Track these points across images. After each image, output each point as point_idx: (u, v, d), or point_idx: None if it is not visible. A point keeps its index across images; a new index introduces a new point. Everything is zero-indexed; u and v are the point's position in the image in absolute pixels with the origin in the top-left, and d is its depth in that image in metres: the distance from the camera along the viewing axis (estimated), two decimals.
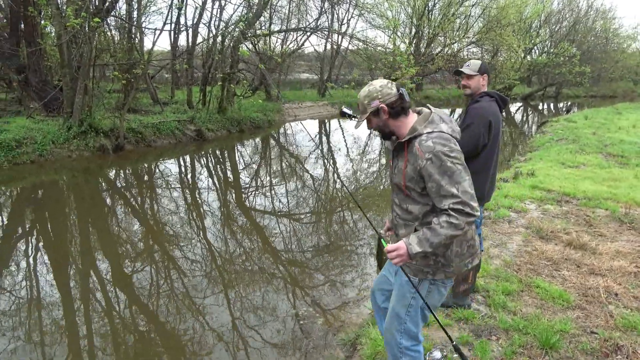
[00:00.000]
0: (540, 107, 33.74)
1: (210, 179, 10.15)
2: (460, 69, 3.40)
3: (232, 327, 3.97)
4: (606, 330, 3.22)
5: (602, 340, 3.10)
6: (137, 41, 14.90)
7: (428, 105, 2.22)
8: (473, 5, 27.52)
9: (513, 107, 32.17)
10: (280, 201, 8.23)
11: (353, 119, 2.34)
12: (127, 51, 13.62)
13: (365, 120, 2.17)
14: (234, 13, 15.93)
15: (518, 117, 26.87)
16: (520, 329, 3.19)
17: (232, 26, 15.63)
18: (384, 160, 12.53)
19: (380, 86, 2.12)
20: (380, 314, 2.61)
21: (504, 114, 3.49)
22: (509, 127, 20.57)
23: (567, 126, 15.29)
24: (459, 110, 26.29)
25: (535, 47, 38.55)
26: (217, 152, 13.06)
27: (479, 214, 2.00)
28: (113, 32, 16.52)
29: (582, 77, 33.91)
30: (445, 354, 2.28)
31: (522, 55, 35.48)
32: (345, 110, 2.45)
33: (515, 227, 5.37)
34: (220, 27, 16.02)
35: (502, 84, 32.07)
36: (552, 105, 35.61)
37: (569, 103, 37.42)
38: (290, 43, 24.56)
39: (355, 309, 4.23)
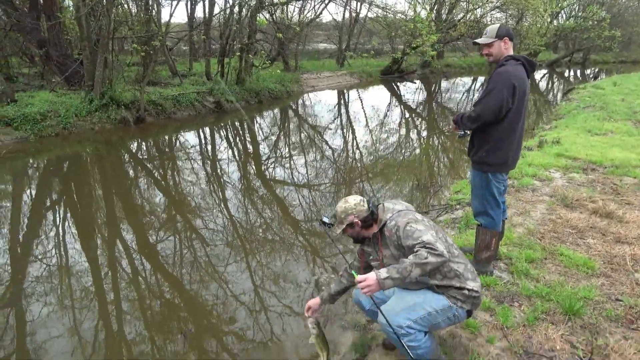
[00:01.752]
0: (566, 74, 32.61)
1: (229, 150, 10.21)
2: (476, 40, 3.30)
3: (254, 294, 4.07)
4: (631, 297, 3.18)
5: (627, 307, 3.06)
6: (154, 13, 14.83)
7: (378, 201, 2.63)
8: None
9: (538, 75, 31.13)
10: (299, 172, 8.25)
11: (331, 226, 2.62)
12: (144, 23, 13.57)
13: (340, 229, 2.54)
14: None
15: (543, 84, 26.06)
16: (543, 296, 3.17)
17: None
18: (403, 131, 12.38)
19: (355, 204, 2.51)
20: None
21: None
22: (533, 95, 20.01)
23: (594, 93, 14.76)
24: (481, 79, 25.63)
25: (562, 11, 36.90)
26: (236, 123, 13.08)
27: (441, 252, 2.16)
28: (130, 4, 16.46)
29: (612, 41, 32.53)
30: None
31: (548, 19, 34.10)
32: (325, 219, 2.67)
33: (539, 195, 5.27)
34: None
35: (527, 50, 30.98)
36: (578, 72, 34.34)
37: (597, 69, 36.03)
38: (308, 12, 24.09)
39: None
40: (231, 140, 11.48)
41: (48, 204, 6.73)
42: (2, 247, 5.07)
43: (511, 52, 3.31)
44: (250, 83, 15.26)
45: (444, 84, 24.39)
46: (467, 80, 25.64)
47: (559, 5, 34.22)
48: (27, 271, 4.54)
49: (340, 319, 3.58)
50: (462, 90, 21.60)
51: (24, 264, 4.72)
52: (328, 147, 10.23)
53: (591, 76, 29.77)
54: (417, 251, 2.18)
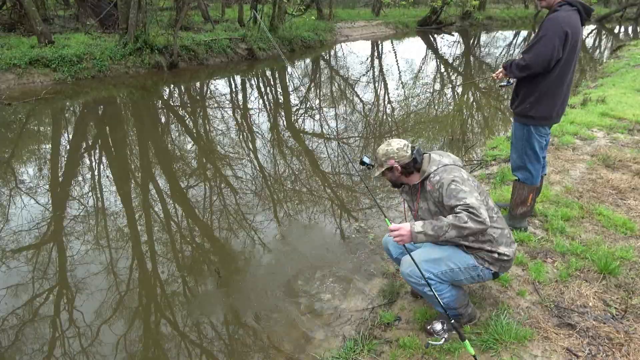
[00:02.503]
0: (616, 31, 30.54)
1: (260, 100, 10.16)
2: None
3: (281, 241, 4.12)
4: None
5: None
6: None
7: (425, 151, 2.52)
8: None
9: (585, 30, 29.32)
10: (328, 124, 8.15)
11: (371, 168, 2.58)
12: None
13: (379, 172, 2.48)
14: None
15: (589, 41, 24.57)
16: (578, 254, 3.12)
17: None
18: (437, 86, 11.99)
19: (397, 148, 2.41)
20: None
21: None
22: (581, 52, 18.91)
23: None
24: (523, 33, 24.32)
25: None
26: (267, 72, 12.94)
27: (483, 219, 2.09)
28: None
29: None
30: (445, 327, 2.28)
31: None
32: (366, 159, 2.64)
33: (579, 154, 5.09)
34: None
35: None
36: (630, 28, 32.09)
37: None
38: None
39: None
40: (262, 89, 11.40)
41: (84, 146, 6.92)
42: (43, 187, 5.29)
43: None
44: (283, 31, 14.95)
45: (484, 37, 23.29)
46: (509, 34, 24.37)
47: None
48: (66, 210, 4.73)
49: (368, 265, 3.63)
50: (502, 45, 20.61)
51: (63, 203, 4.92)
52: (359, 100, 10.04)
53: None
54: (458, 213, 2.12)
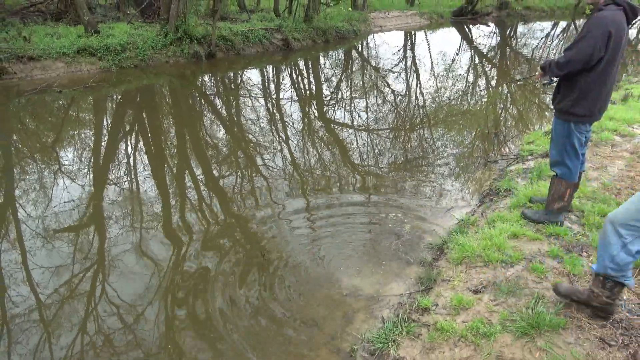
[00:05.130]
0: None
1: (293, 90, 10.33)
2: None
3: (314, 233, 4.27)
4: None
5: None
6: None
7: None
8: None
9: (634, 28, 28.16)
10: (359, 115, 8.26)
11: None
12: None
13: None
14: None
15: (633, 32, 23.66)
16: None
17: None
18: (471, 77, 11.90)
19: None
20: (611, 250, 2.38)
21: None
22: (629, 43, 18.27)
23: None
24: (562, 24, 23.64)
25: None
26: (301, 62, 13.09)
27: None
28: None
29: None
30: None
31: None
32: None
33: (618, 151, 5.07)
34: None
35: None
36: None
37: None
38: None
39: (442, 219, 4.38)
40: (295, 79, 11.57)
41: (129, 132, 7.28)
42: (85, 171, 5.63)
43: None
44: (317, 21, 15.05)
45: (521, 28, 22.76)
46: (547, 25, 23.73)
47: None
48: (107, 194, 5.03)
49: (406, 254, 3.79)
50: (539, 36, 20.12)
51: (104, 187, 5.24)
52: (390, 92, 10.10)
53: None
54: None
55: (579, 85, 3.16)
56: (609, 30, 2.98)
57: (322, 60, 13.70)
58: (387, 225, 4.29)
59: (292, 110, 8.61)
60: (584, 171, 3.64)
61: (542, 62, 3.34)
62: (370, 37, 17.54)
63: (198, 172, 5.70)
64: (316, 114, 8.56)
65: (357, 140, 6.91)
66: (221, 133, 7.33)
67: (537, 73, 3.45)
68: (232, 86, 10.54)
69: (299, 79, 11.66)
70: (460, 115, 8.33)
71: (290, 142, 6.81)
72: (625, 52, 14.80)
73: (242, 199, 4.97)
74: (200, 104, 9.09)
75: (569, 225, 3.57)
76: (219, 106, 8.88)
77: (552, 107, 3.44)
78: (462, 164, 5.84)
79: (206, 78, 10.87)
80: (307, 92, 10.24)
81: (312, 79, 11.59)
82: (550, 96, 3.48)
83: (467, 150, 6.38)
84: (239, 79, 11.07)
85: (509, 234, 3.46)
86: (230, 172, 5.71)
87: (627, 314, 2.63)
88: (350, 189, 5.17)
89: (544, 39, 19.33)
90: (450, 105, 8.98)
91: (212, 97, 9.57)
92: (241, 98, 9.42)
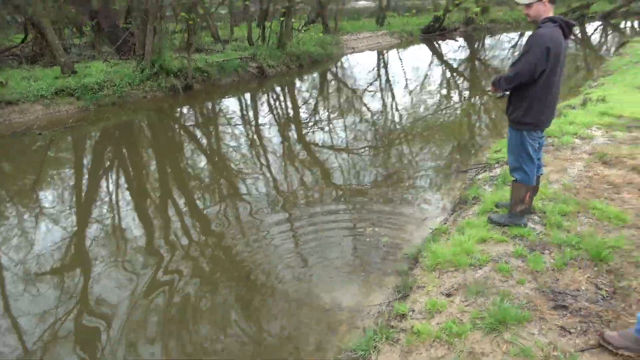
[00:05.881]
0: (622, 26, 30.57)
1: (271, 115, 10.56)
2: (516, 1, 3.45)
3: (297, 251, 4.45)
4: None
5: None
6: None
7: None
8: None
9: (590, 28, 29.43)
10: (338, 135, 8.51)
11: None
12: None
13: None
14: None
15: (595, 38, 24.67)
16: (573, 245, 3.43)
17: None
18: (444, 91, 12.34)
19: None
20: None
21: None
22: (583, 51, 19.14)
23: None
24: (528, 33, 24.52)
25: None
26: (277, 88, 13.40)
27: None
28: None
29: None
30: None
31: None
32: None
33: (578, 153, 5.39)
34: None
35: (580, 1, 29.24)
36: (637, 23, 32.08)
37: None
38: None
39: (417, 230, 4.61)
40: (273, 105, 11.84)
41: (109, 169, 7.40)
42: (67, 211, 5.74)
43: (550, 14, 3.44)
44: (291, 47, 15.45)
45: (488, 40, 23.57)
46: (514, 35, 24.61)
47: None
48: (89, 231, 5.13)
49: (383, 265, 3.98)
50: (507, 47, 20.88)
51: (86, 223, 5.34)
52: (367, 110, 10.42)
53: None
54: None
55: (527, 96, 3.45)
56: (548, 46, 3.28)
57: (297, 84, 14.04)
58: (366, 239, 4.49)
59: (272, 135, 8.83)
60: (541, 174, 3.90)
61: (492, 77, 3.63)
62: (344, 59, 18.00)
63: (180, 201, 5.85)
64: (295, 137, 8.79)
65: (336, 160, 7.13)
66: (202, 162, 7.50)
67: (490, 88, 3.73)
68: (211, 116, 10.76)
69: (277, 104, 11.93)
70: (434, 128, 8.65)
71: (271, 165, 7.01)
72: (589, 57, 15.44)
73: (225, 224, 5.12)
74: (180, 136, 9.26)
75: (532, 225, 3.81)
76: (199, 136, 9.06)
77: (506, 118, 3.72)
78: (436, 176, 6.11)
79: (185, 110, 11.07)
80: (285, 116, 10.50)
81: (289, 103, 11.87)
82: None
83: (440, 163, 6.66)
84: (217, 109, 11.29)
85: (478, 238, 3.69)
86: (213, 199, 5.86)
87: (585, 303, 2.85)
88: (330, 206, 5.36)
89: (511, 49, 20.07)
90: (425, 120, 9.31)
91: (191, 127, 9.76)
92: (220, 127, 9.63)
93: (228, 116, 10.49)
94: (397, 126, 9.13)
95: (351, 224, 4.90)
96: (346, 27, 22.58)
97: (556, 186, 4.51)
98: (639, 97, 7.76)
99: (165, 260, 4.39)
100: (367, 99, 11.61)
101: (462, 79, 14.59)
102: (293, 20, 15.17)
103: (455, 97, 11.87)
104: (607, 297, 2.90)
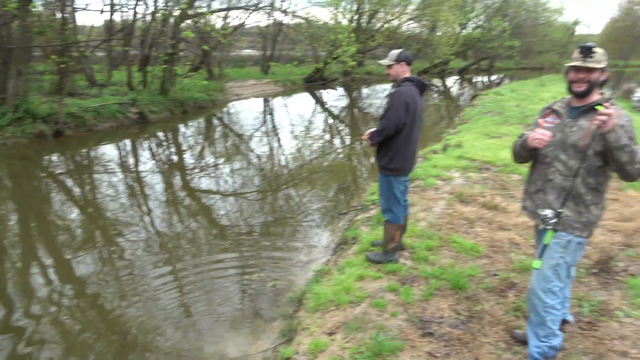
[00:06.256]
0: (475, 80, 35.43)
1: (154, 162, 10.20)
2: (379, 62, 3.93)
3: (181, 302, 4.31)
4: (505, 272, 3.93)
5: (501, 280, 3.80)
6: (69, 19, 14.30)
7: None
8: None
9: (450, 81, 33.63)
10: (225, 181, 8.52)
11: (591, 56, 2.39)
12: (60, 32, 13.10)
13: (590, 68, 2.39)
14: None
15: (455, 90, 28.20)
16: (437, 276, 3.83)
17: (172, 3, 15.30)
18: (327, 136, 13.06)
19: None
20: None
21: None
22: (445, 101, 21.71)
23: (495, 99, 16.45)
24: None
25: (470, 22, 40.19)
26: (160, 134, 13.02)
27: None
28: (42, 9, 15.70)
29: (512, 50, 35.96)
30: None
31: (458, 30, 36.94)
32: (592, 45, 2.44)
33: (440, 193, 6.06)
34: (159, 5, 15.67)
35: (440, 58, 33.35)
36: (485, 78, 37.47)
37: (502, 75, 39.53)
38: (232, 20, 24.25)
39: (301, 272, 4.75)
40: (155, 151, 11.45)
41: None
42: None
43: (408, 75, 3.95)
44: (174, 93, 15.23)
45: (365, 90, 25.65)
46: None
47: (467, 17, 37.27)
48: None
49: (269, 311, 4.02)
50: (381, 96, 22.87)
51: None
52: (254, 155, 10.60)
53: (496, 82, 32.70)
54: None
55: (392, 146, 3.87)
56: (407, 102, 3.75)
57: (182, 130, 13.79)
58: (252, 286, 4.50)
59: (154, 182, 8.49)
60: (408, 214, 4.33)
61: (367, 130, 4.00)
62: (230, 105, 18.17)
63: (46, 259, 5.31)
64: (180, 184, 8.56)
65: (223, 205, 7.09)
66: (73, 213, 6.91)
67: (365, 137, 4.10)
68: (85, 163, 10.02)
69: (159, 150, 11.54)
70: (319, 172, 9.07)
71: (152, 214, 6.71)
72: (450, 107, 17.48)
73: (100, 280, 4.75)
74: (48, 185, 8.46)
75: (403, 261, 4.17)
76: (70, 185, 8.37)
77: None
78: (320, 219, 6.38)
79: (54, 157, 10.18)
80: (169, 162, 10.19)
81: (172, 149, 11.57)
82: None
83: (324, 205, 6.99)
84: (93, 156, 10.57)
85: (356, 276, 3.93)
86: (85, 253, 5.41)
87: (448, 328, 3.18)
88: (217, 254, 5.28)
89: (385, 98, 22.03)
90: (311, 164, 9.72)
91: (62, 176, 8.98)
92: (95, 175, 9.00)
93: (104, 163, 9.87)
94: (284, 170, 9.40)
95: (238, 270, 4.88)
96: (231, 75, 22.95)
97: (423, 224, 5.01)
98: (488, 143, 9.03)
99: (28, 331, 3.92)
100: (254, 144, 11.81)
101: (343, 125, 15.58)
102: (177, 67, 15.01)
103: (337, 142, 12.61)
104: (465, 321, 3.27)
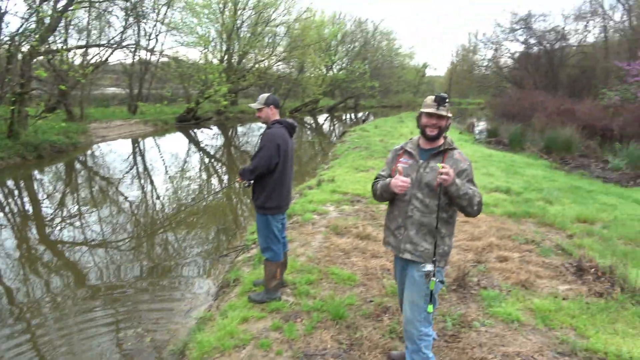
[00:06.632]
0: (343, 118, 37.95)
1: (2, 215, 8.98)
2: (249, 105, 4.11)
3: None
4: (379, 297, 4.24)
5: (376, 305, 4.09)
6: None
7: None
8: (278, 25, 29.63)
9: (321, 119, 35.53)
10: (92, 230, 7.85)
11: (444, 105, 2.75)
12: None
13: (441, 115, 2.75)
14: (21, 26, 14.13)
15: (326, 127, 29.80)
16: (319, 309, 3.99)
17: (19, 39, 13.91)
18: (204, 176, 12.81)
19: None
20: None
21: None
22: (318, 137, 22.81)
23: (361, 135, 17.81)
24: None
25: (335, 64, 43.34)
26: (9, 182, 11.53)
27: (480, 211, 2.76)
28: None
29: (374, 90, 39.49)
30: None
31: (325, 71, 39.54)
32: (444, 95, 2.77)
33: (317, 227, 6.34)
34: (5, 41, 14.15)
35: (310, 97, 35.16)
36: (352, 115, 40.37)
37: (367, 113, 42.95)
38: (93, 57, 22.77)
39: (183, 322, 4.55)
40: (4, 202, 10.10)
41: None
42: None
43: (277, 117, 4.18)
44: (26, 136, 13.69)
45: (240, 128, 25.81)
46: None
47: (332, 59, 40.12)
48: None
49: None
50: (257, 134, 23.20)
51: None
52: (125, 200, 9.95)
53: (362, 119, 35.40)
54: (477, 192, 2.71)
55: (266, 185, 4.00)
56: (278, 143, 3.95)
57: (38, 177, 12.37)
58: (128, 343, 4.18)
59: (3, 238, 7.45)
60: (287, 251, 4.46)
61: (240, 168, 4.09)
62: (94, 148, 16.86)
63: None
64: (37, 237, 7.64)
65: (92, 257, 6.48)
66: None
67: (237, 178, 4.17)
68: None
69: (9, 201, 10.19)
70: (198, 213, 8.81)
71: (2, 277, 5.87)
72: (323, 144, 18.41)
73: None
74: None
75: (286, 297, 4.26)
76: None
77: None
78: (201, 263, 6.20)
79: None
80: (22, 214, 9.04)
81: (26, 199, 10.30)
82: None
83: (205, 248, 6.81)
84: None
85: (240, 319, 3.90)
86: None
87: (331, 359, 3.32)
88: (84, 313, 4.80)
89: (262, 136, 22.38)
90: (188, 206, 9.41)
91: None
92: None
93: None
94: (160, 214, 8.96)
95: (111, 328, 4.49)
96: (95, 115, 21.40)
97: (302, 258, 5.18)
98: (357, 176, 9.71)
99: None
100: (124, 188, 11.07)
101: (220, 164, 15.44)
102: (28, 108, 13.57)
103: (215, 182, 12.43)
104: (347, 349, 3.45)
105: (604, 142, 14.51)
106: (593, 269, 4.84)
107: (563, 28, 33.09)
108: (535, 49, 33.79)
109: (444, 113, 2.74)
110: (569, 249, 5.58)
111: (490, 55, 39.91)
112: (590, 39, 33.92)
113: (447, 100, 2.75)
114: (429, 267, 2.76)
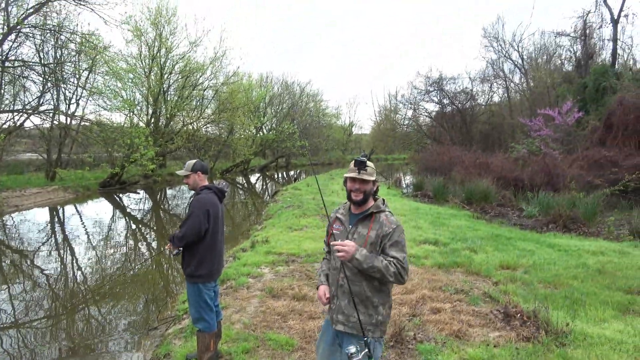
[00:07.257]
0: (275, 176, 38.23)
1: None
2: (176, 172, 4.11)
3: None
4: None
5: None
6: None
7: None
8: (205, 89, 29.98)
9: (253, 178, 35.52)
10: (1, 310, 7.08)
11: (365, 169, 2.76)
12: None
13: (365, 180, 2.76)
14: None
15: (259, 186, 29.77)
16: None
17: None
18: (131, 243, 12.16)
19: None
20: None
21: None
22: (251, 198, 22.69)
23: (294, 194, 18.00)
24: (215, 182, 27.37)
25: (264, 125, 44.21)
26: None
27: (405, 280, 2.65)
28: None
29: (304, 149, 40.48)
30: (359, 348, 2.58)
31: (255, 132, 40.14)
32: (365, 158, 2.79)
33: (252, 291, 6.20)
34: None
35: (240, 158, 35.30)
36: (284, 173, 40.83)
37: (299, 171, 43.68)
38: (6, 123, 21.47)
39: None
40: None
41: None
42: None
43: (205, 183, 4.18)
44: None
45: (170, 191, 25.08)
46: None
47: (261, 120, 40.96)
48: None
49: None
50: (188, 196, 22.63)
51: None
52: (41, 273, 9.14)
53: (294, 177, 35.89)
54: (400, 263, 2.60)
55: (197, 252, 3.93)
56: (207, 209, 3.93)
57: None
58: None
59: None
60: (221, 319, 4.32)
61: (170, 235, 3.99)
62: (5, 218, 15.53)
63: None
64: None
65: (2, 342, 5.81)
66: None
67: (167, 245, 4.06)
68: None
69: None
70: (124, 284, 8.28)
71: None
72: (257, 203, 18.31)
73: None
74: None
75: None
76: None
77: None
78: (127, 338, 5.77)
79: None
80: None
81: None
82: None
83: (132, 321, 6.37)
84: None
85: None
86: None
87: None
88: None
89: (190, 198, 21.85)
90: (114, 276, 8.82)
91: None
92: None
93: None
94: (82, 287, 8.31)
95: None
96: (7, 182, 19.87)
97: (238, 326, 5.01)
98: (291, 235, 9.72)
99: None
100: (40, 260, 10.20)
101: (148, 229, 14.77)
102: None
103: (143, 248, 11.83)
104: None
105: (517, 192, 15.73)
106: (519, 314, 5.11)
107: (471, 90, 36.58)
108: (449, 108, 36.77)
109: (366, 177, 2.72)
110: (495, 295, 5.88)
111: (410, 114, 42.71)
112: (496, 98, 37.75)
113: (366, 165, 2.74)
114: (351, 348, 2.57)
